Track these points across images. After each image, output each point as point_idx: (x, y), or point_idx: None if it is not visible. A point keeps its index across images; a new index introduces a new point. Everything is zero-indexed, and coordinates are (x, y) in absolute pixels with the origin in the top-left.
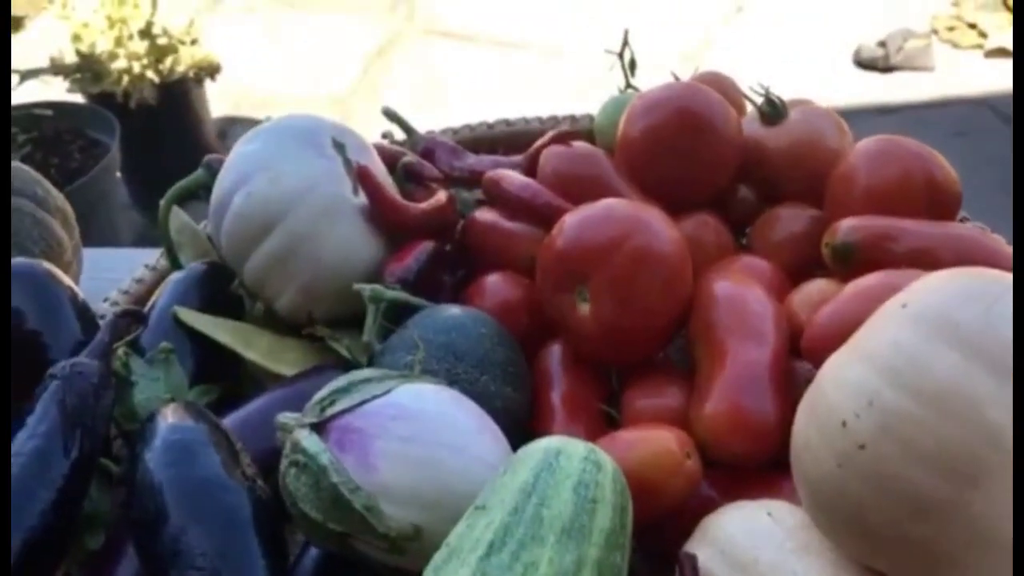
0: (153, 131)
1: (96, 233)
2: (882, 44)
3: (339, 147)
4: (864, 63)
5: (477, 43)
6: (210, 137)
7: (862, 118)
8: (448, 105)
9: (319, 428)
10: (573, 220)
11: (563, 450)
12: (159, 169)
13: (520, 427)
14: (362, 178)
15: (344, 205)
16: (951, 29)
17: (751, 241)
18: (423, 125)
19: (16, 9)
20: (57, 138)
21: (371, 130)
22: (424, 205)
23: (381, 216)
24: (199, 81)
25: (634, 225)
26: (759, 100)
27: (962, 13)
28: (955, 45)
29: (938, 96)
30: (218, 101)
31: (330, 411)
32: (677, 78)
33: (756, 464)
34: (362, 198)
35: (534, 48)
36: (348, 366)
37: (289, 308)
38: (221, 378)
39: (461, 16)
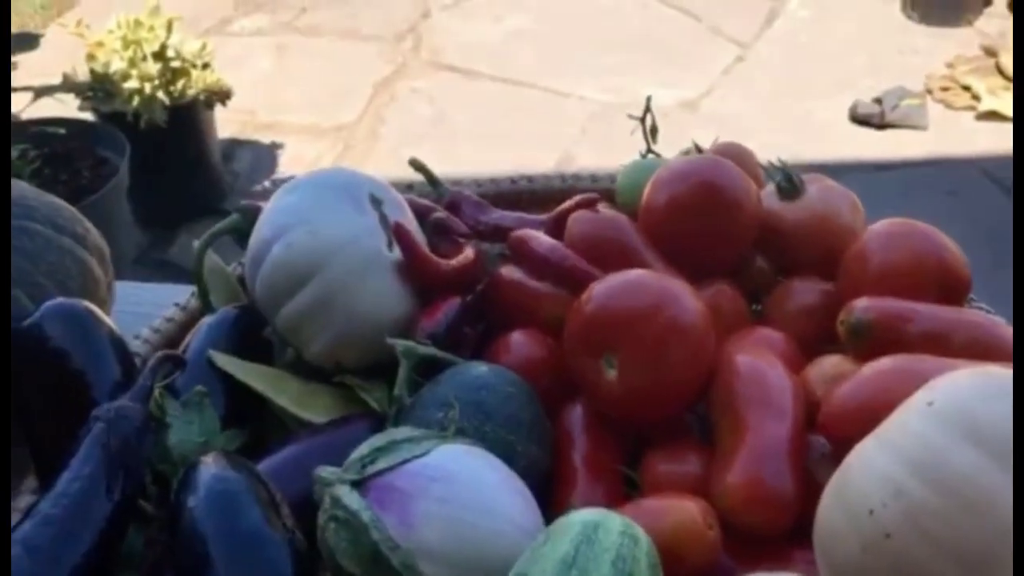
0: (160, 152)
1: None
2: (878, 101)
3: (376, 202)
4: (860, 119)
5: (480, 79)
6: (216, 160)
7: (857, 173)
8: (452, 139)
9: (359, 485)
10: (603, 288)
11: (601, 524)
12: (164, 190)
13: (543, 485)
14: (399, 235)
15: (380, 260)
16: (945, 89)
17: (765, 310)
18: (425, 160)
19: (31, 26)
20: (67, 155)
21: (370, 160)
22: (455, 263)
23: (414, 272)
24: (209, 105)
25: (664, 297)
26: (768, 169)
27: (956, 75)
28: (948, 106)
29: (931, 155)
30: (223, 124)
31: (371, 469)
32: (699, 149)
33: (773, 535)
34: (396, 253)
35: (537, 87)
36: (376, 416)
37: (320, 356)
38: (249, 421)
39: (466, 51)
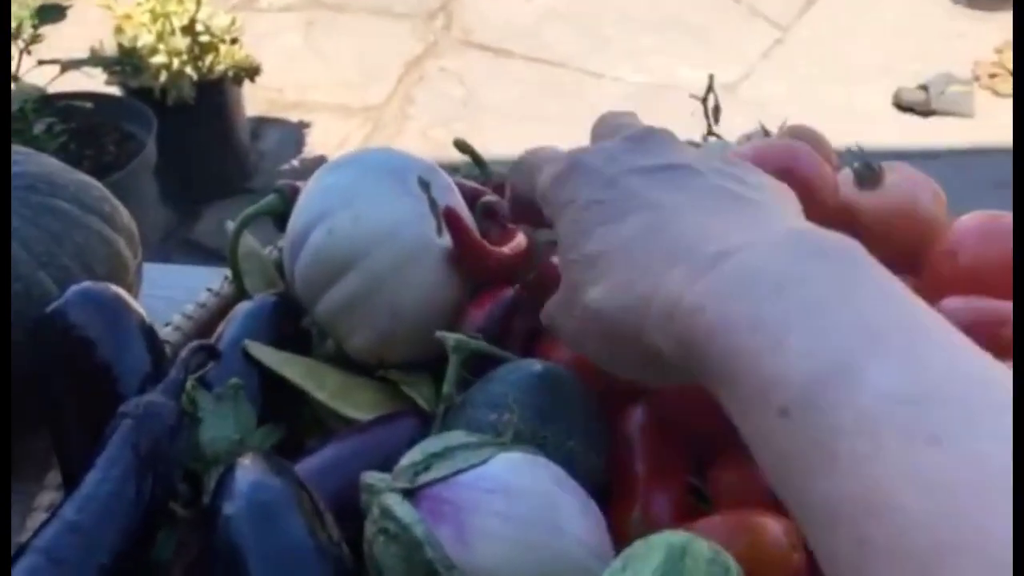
0: (187, 128)
1: None
2: (923, 88)
3: (424, 186)
4: (904, 106)
5: (512, 59)
6: (244, 138)
7: (900, 162)
8: (482, 120)
9: (411, 495)
10: None
11: (688, 550)
12: (192, 167)
13: (600, 496)
14: (450, 221)
15: (428, 248)
16: (993, 76)
17: None
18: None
19: None
20: (92, 130)
21: (400, 141)
22: (507, 250)
23: (466, 261)
24: (237, 81)
25: None
26: (844, 154)
27: (1004, 61)
28: (996, 93)
29: (978, 144)
30: (250, 101)
31: (424, 478)
32: (767, 132)
33: None
34: (445, 240)
35: (571, 68)
36: (422, 415)
37: (361, 349)
38: (285, 416)
39: (499, 30)
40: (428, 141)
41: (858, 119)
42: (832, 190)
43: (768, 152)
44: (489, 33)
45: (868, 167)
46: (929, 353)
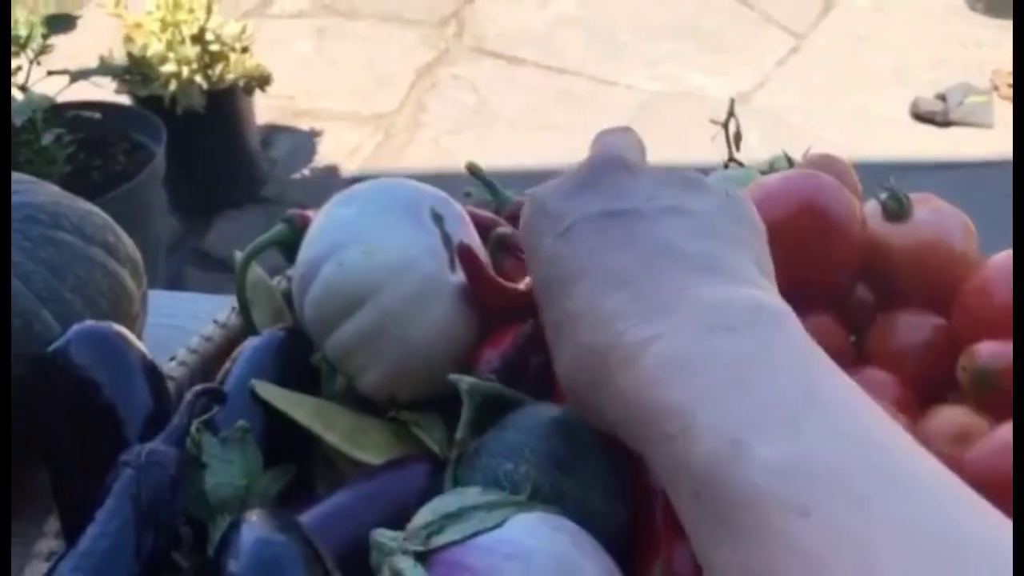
0: (197, 138)
1: (135, 241)
2: (941, 97)
3: (438, 219)
4: (921, 116)
5: (525, 66)
6: (254, 147)
7: (919, 174)
8: (494, 128)
9: (424, 558)
10: None
11: None
12: (202, 176)
13: (622, 548)
14: (464, 259)
15: (440, 284)
16: (1011, 85)
17: (865, 345)
18: (467, 149)
19: (68, 7)
20: (102, 140)
21: (411, 150)
22: (523, 287)
23: (481, 300)
24: (248, 90)
25: None
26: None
27: None
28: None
29: (998, 155)
30: (261, 109)
31: (438, 540)
32: (791, 161)
33: None
34: (458, 276)
35: (584, 76)
36: (434, 459)
37: (372, 387)
38: (294, 458)
39: (511, 37)
40: (440, 149)
41: (875, 130)
42: (859, 225)
43: (791, 185)
44: (501, 40)
45: (896, 199)
46: (813, 425)
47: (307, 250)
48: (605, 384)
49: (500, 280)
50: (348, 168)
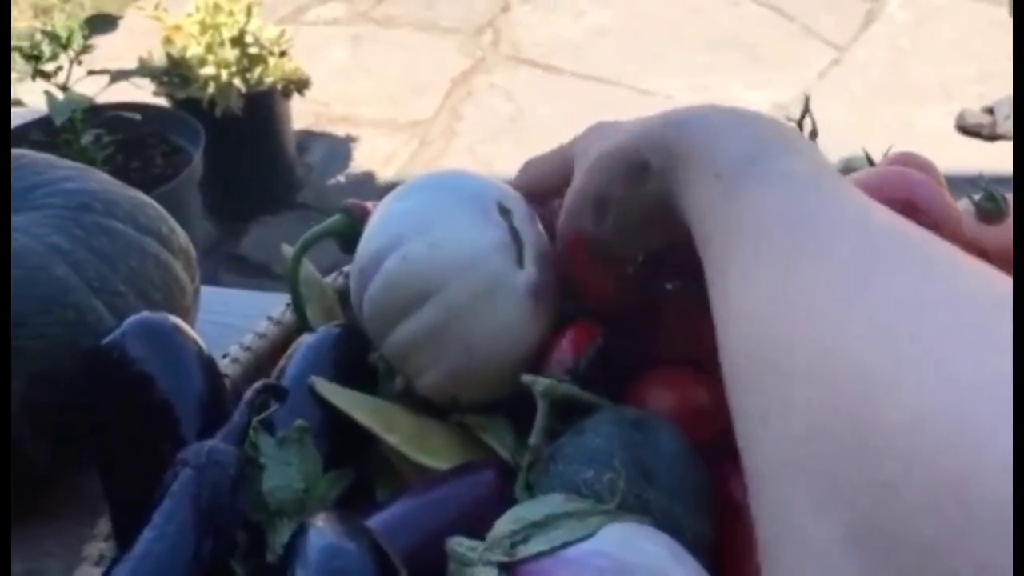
0: (234, 141)
1: None
2: (988, 111)
3: (505, 213)
4: (968, 129)
5: (561, 75)
6: (290, 152)
7: (966, 187)
8: (531, 137)
9: (508, 569)
10: None
11: None
12: (238, 179)
13: (705, 563)
14: (573, 247)
15: (509, 281)
16: None
17: None
18: (503, 158)
19: (109, 7)
20: (140, 141)
21: (447, 158)
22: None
23: (586, 296)
24: (286, 94)
25: None
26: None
27: None
28: None
29: None
30: (297, 114)
31: (523, 551)
32: (871, 160)
33: None
34: (527, 273)
35: (621, 85)
36: (504, 466)
37: (432, 388)
38: (353, 460)
39: (548, 46)
40: (475, 157)
41: (920, 143)
42: (957, 224)
43: (884, 182)
44: (538, 49)
45: (992, 199)
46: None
47: (368, 243)
48: (652, 124)
49: (600, 276)
50: (384, 175)
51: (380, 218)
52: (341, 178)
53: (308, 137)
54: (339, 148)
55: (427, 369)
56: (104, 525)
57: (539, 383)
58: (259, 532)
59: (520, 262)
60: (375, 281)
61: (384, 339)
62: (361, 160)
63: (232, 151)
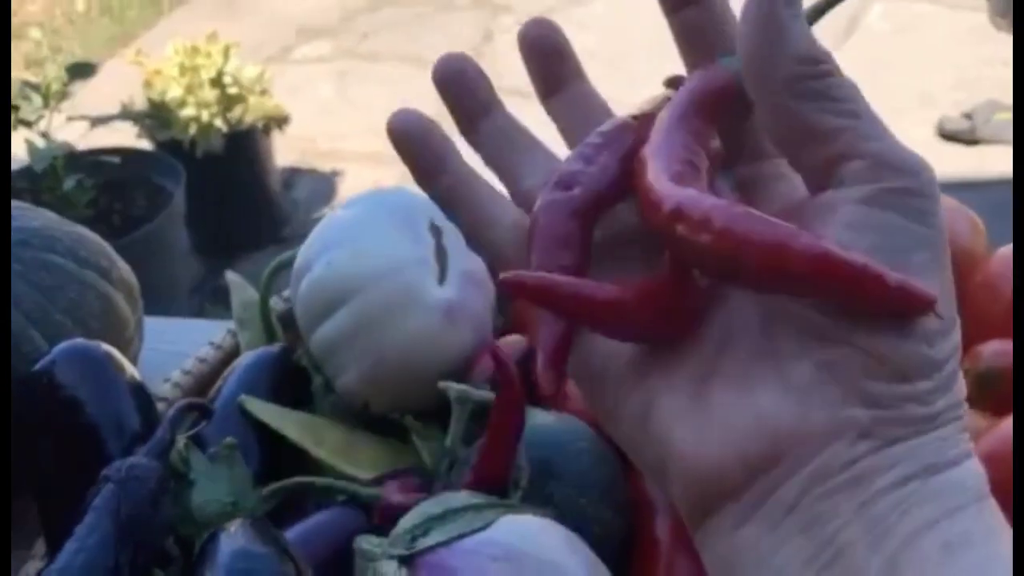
0: (218, 180)
1: (156, 281)
2: (968, 116)
3: (435, 231)
4: (948, 135)
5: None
6: (275, 188)
7: (948, 192)
8: None
9: (408, 561)
10: None
11: None
12: (222, 218)
13: (617, 557)
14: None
15: (425, 296)
16: None
17: None
18: None
19: (91, 55)
20: (122, 184)
21: None
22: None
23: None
24: (267, 131)
25: None
26: None
27: None
28: None
29: None
30: (283, 151)
31: (422, 543)
32: None
33: None
34: (446, 290)
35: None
36: (427, 472)
37: (348, 390)
38: (289, 473)
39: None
40: None
41: None
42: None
43: None
44: (522, 77)
45: None
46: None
47: (307, 247)
48: None
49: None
50: None
51: (321, 226)
52: (327, 211)
53: (294, 173)
54: (325, 183)
55: (343, 371)
56: (40, 546)
57: (453, 389)
58: (191, 546)
59: (442, 279)
60: (303, 282)
61: (310, 338)
62: (346, 193)
63: (216, 189)
